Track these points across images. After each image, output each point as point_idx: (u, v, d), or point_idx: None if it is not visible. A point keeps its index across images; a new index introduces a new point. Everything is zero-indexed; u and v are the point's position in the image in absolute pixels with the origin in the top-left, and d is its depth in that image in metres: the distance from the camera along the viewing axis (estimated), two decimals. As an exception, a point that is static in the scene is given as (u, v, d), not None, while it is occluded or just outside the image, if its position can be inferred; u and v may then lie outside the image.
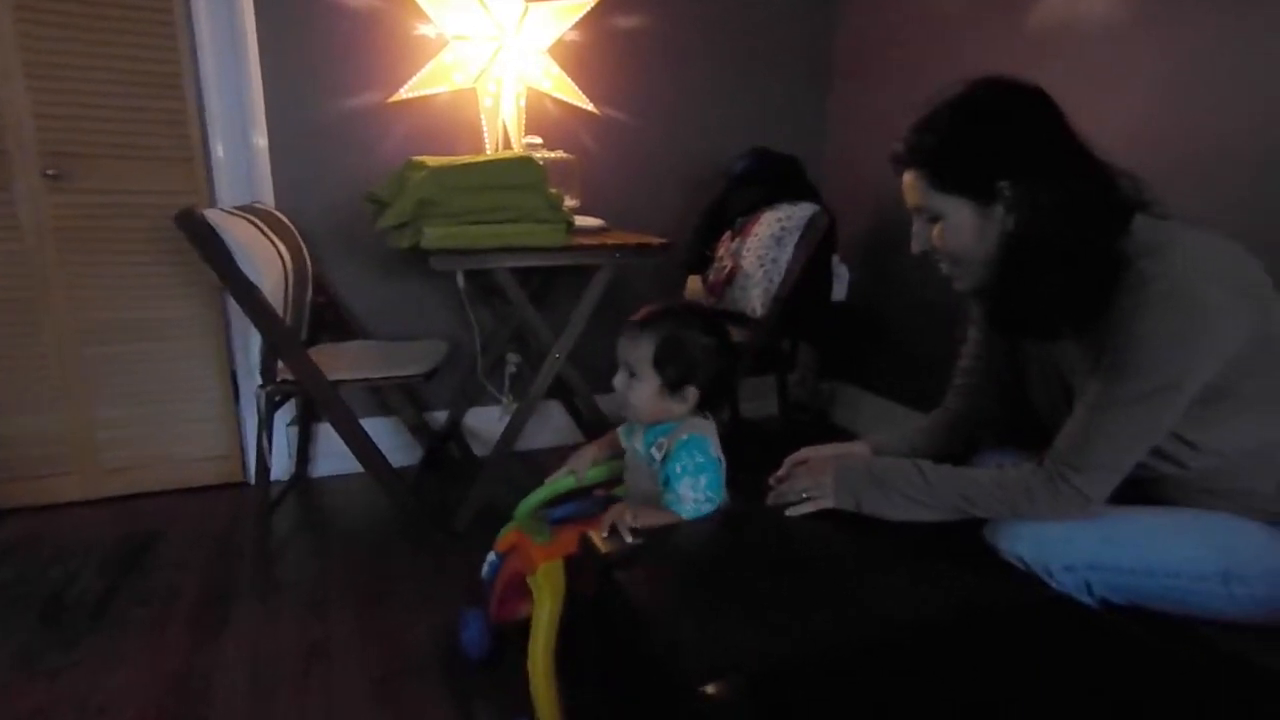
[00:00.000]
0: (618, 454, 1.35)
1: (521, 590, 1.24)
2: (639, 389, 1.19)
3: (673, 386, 1.19)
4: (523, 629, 1.20)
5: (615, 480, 1.35)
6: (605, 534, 1.04)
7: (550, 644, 1.13)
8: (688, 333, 1.20)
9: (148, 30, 1.86)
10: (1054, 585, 0.94)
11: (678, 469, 1.15)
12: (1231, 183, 1.50)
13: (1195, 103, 1.56)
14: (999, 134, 0.94)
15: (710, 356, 1.20)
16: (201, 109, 1.95)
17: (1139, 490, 0.98)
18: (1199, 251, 0.90)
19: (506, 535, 1.29)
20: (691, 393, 1.20)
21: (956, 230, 0.98)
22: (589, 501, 1.30)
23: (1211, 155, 1.53)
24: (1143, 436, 0.92)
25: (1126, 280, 0.89)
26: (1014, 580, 0.96)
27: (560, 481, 1.31)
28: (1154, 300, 0.87)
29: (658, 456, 1.19)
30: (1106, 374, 0.92)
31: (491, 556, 1.35)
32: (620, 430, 1.36)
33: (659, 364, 1.18)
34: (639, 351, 1.19)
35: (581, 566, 1.11)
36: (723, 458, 1.21)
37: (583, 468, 1.35)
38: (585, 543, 1.04)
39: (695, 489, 1.14)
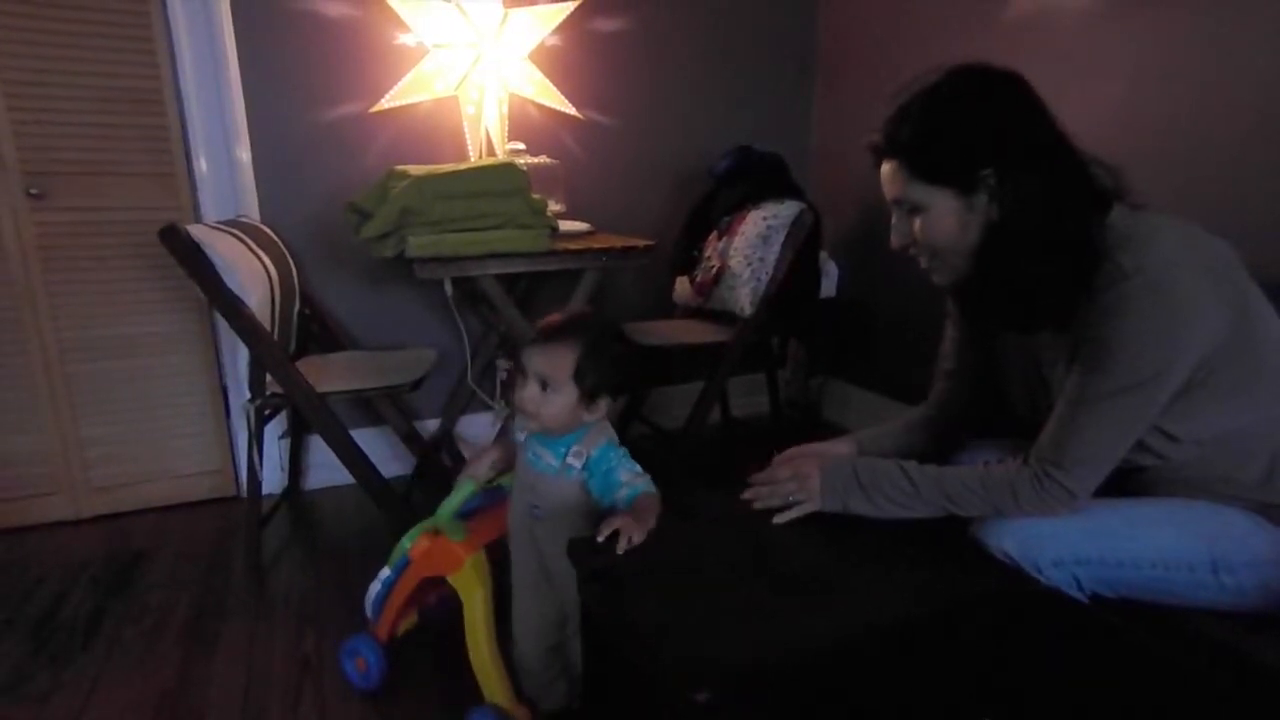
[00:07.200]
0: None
1: (415, 599, 1.35)
2: (554, 401, 1.17)
3: (590, 397, 1.19)
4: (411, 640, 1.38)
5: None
6: (602, 539, 1.02)
7: (491, 630, 1.22)
8: (605, 343, 1.20)
9: (127, 48, 1.85)
10: (1043, 581, 0.93)
11: (613, 464, 1.17)
12: (1202, 173, 1.50)
13: (1168, 91, 1.56)
14: (980, 120, 0.92)
15: (624, 367, 1.22)
16: (184, 124, 1.94)
17: (1121, 482, 0.97)
18: (1177, 243, 0.89)
19: (417, 542, 1.29)
20: (605, 403, 1.21)
21: (939, 221, 0.96)
22: (485, 494, 1.31)
23: (1184, 145, 1.53)
24: (1125, 431, 0.92)
25: (1105, 273, 0.89)
26: (1002, 577, 0.95)
27: (466, 487, 1.28)
28: (1134, 294, 0.86)
29: (577, 465, 1.20)
30: (1087, 368, 0.91)
31: (386, 573, 1.33)
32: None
33: (579, 375, 1.16)
34: (556, 362, 1.17)
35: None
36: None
37: (481, 473, 1.33)
38: (574, 551, 1.04)
39: (633, 470, 1.17)
